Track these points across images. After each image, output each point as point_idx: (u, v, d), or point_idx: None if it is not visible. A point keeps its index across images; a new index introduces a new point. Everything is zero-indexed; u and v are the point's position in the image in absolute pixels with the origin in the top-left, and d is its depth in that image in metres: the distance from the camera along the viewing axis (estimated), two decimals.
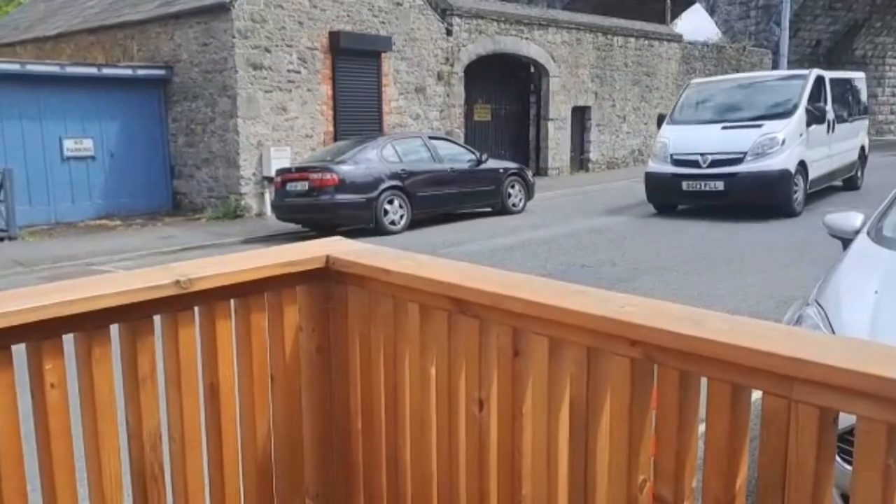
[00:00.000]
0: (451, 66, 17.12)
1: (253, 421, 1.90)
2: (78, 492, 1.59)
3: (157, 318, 1.68)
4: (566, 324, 1.49)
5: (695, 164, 11.64)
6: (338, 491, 2.07)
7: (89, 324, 1.55)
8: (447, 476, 1.80)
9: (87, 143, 13.75)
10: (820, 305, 3.05)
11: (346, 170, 11.34)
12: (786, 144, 11.30)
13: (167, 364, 1.72)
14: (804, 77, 12.37)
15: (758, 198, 11.29)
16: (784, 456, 1.23)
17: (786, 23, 24.28)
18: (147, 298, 1.62)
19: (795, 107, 11.74)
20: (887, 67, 31.84)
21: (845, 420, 1.22)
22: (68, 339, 1.55)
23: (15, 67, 13.26)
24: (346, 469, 2.05)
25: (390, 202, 11.50)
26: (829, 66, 28.94)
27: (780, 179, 11.17)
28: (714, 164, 11.48)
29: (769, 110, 11.96)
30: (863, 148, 14.68)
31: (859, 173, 14.57)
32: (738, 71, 25.57)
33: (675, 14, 29.25)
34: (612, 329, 1.40)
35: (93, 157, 13.82)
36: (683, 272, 7.77)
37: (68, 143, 13.52)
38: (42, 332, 1.49)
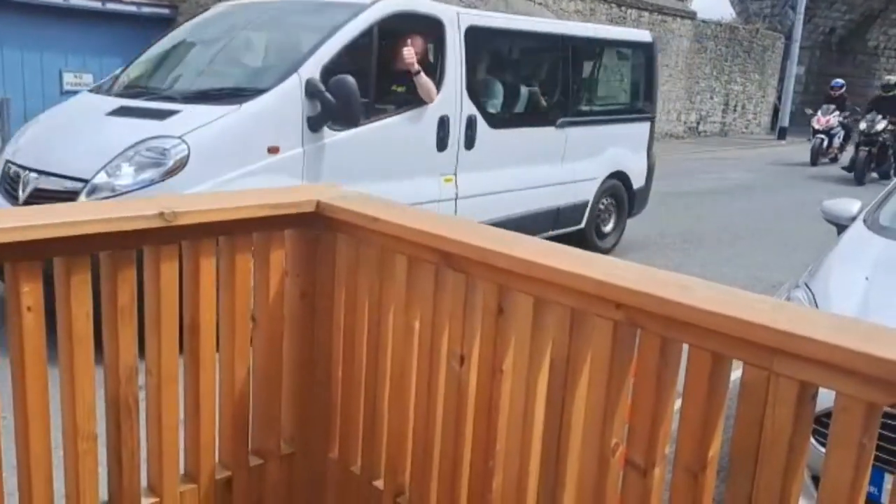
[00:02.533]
0: None
1: (232, 361, 1.89)
2: (51, 418, 1.58)
3: (140, 252, 1.66)
4: (552, 283, 1.47)
5: (13, 189, 4.52)
6: (313, 435, 2.07)
7: (71, 249, 1.52)
8: (423, 428, 1.79)
9: (88, 78, 13.54)
10: (809, 289, 3.04)
11: None
12: (195, 171, 4.16)
13: (148, 298, 1.70)
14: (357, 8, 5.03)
15: None
16: (759, 428, 1.22)
17: (801, 8, 23.97)
18: (130, 228, 1.59)
19: (283, 77, 4.61)
20: None
21: (821, 404, 1.22)
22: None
23: None
24: (323, 415, 2.05)
25: None
26: (841, 55, 28.73)
27: None
28: (38, 195, 4.29)
29: (244, 80, 5.07)
30: (623, 177, 7.20)
31: (608, 224, 7.27)
32: (749, 55, 25.37)
33: None
34: (598, 291, 1.39)
35: None
36: None
37: (68, 77, 13.32)
38: (21, 253, 1.46)
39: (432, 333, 1.76)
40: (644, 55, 7.55)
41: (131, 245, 1.63)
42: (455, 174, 5.42)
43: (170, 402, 1.78)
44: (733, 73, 24.96)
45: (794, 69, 23.98)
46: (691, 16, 23.11)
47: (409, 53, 5.00)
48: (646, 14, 21.39)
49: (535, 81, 6.65)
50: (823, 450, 1.16)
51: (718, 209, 10.12)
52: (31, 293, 1.49)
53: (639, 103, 7.57)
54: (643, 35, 7.82)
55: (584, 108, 6.95)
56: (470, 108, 5.47)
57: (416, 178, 5.17)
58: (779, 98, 25.53)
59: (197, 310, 1.80)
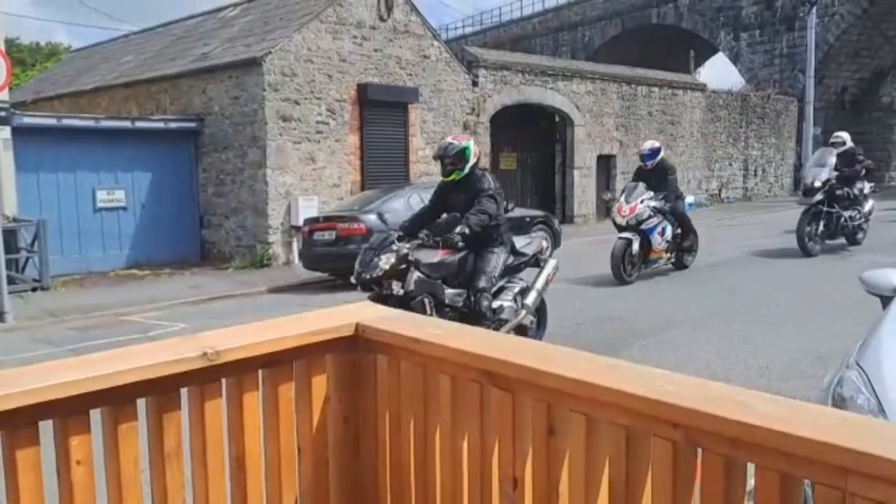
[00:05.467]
0: (477, 115, 17.30)
1: (279, 494, 1.86)
2: None
3: (183, 391, 1.66)
4: (603, 402, 1.44)
5: None
6: None
7: (116, 399, 1.53)
8: None
9: (119, 194, 14.01)
10: (861, 368, 2.95)
11: (373, 219, 11.40)
12: None
13: (193, 438, 1.68)
14: None
15: None
16: None
17: (811, 71, 24.30)
18: (174, 372, 1.59)
19: None
20: None
21: None
22: (95, 414, 1.53)
23: (52, 121, 13.63)
24: None
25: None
26: (855, 113, 28.86)
27: None
28: None
29: None
30: None
31: None
32: (763, 120, 25.56)
33: (699, 63, 29.44)
34: (653, 410, 1.35)
35: (124, 208, 14.08)
36: (713, 325, 7.63)
37: (101, 194, 13.79)
38: (69, 408, 1.47)
39: (482, 455, 1.71)
40: None
41: (174, 388, 1.63)
42: None
43: None
44: (749, 139, 25.15)
45: (810, 130, 24.11)
46: (701, 87, 23.50)
47: None
48: (656, 89, 21.81)
49: None
50: None
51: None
52: (80, 447, 1.48)
53: None
54: None
55: None
56: None
57: None
58: (799, 160, 25.56)
59: (242, 444, 1.78)
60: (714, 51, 33.23)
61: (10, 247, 11.12)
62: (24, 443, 1.43)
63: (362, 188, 14.69)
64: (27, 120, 12.94)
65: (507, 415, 1.64)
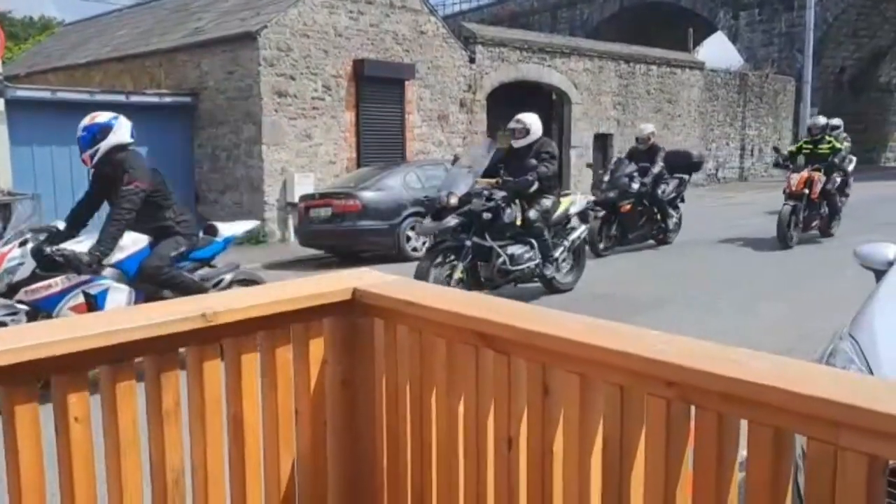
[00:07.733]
0: (474, 93, 17.22)
1: (277, 456, 1.87)
2: None
3: (182, 352, 1.67)
4: (598, 361, 1.45)
5: None
6: None
7: (115, 357, 1.53)
8: None
9: None
10: (854, 339, 2.97)
11: (369, 196, 11.39)
12: None
13: (191, 398, 1.70)
14: None
15: None
16: None
17: (809, 50, 24.18)
18: (173, 331, 1.60)
19: None
20: None
21: None
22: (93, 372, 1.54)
23: (46, 94, 13.51)
24: None
25: (413, 229, 11.50)
26: (854, 93, 28.81)
27: None
28: None
29: None
30: None
31: None
32: (761, 100, 25.49)
33: (697, 41, 29.28)
34: (647, 368, 1.36)
35: None
36: (705, 303, 7.67)
37: None
38: (68, 365, 1.48)
39: (477, 416, 1.73)
40: None
41: (173, 347, 1.64)
42: None
43: (217, 502, 1.75)
44: (747, 119, 25.11)
45: (808, 111, 24.03)
46: (700, 66, 23.40)
47: None
48: (654, 67, 21.71)
49: None
50: None
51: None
52: (77, 404, 1.49)
53: None
54: None
55: None
56: None
57: None
58: (795, 140, 25.53)
59: (240, 405, 1.79)
60: (713, 29, 33.05)
61: (5, 220, 11.06)
62: (23, 399, 1.44)
63: (358, 165, 14.64)
64: (21, 93, 12.83)
65: (502, 376, 1.66)
